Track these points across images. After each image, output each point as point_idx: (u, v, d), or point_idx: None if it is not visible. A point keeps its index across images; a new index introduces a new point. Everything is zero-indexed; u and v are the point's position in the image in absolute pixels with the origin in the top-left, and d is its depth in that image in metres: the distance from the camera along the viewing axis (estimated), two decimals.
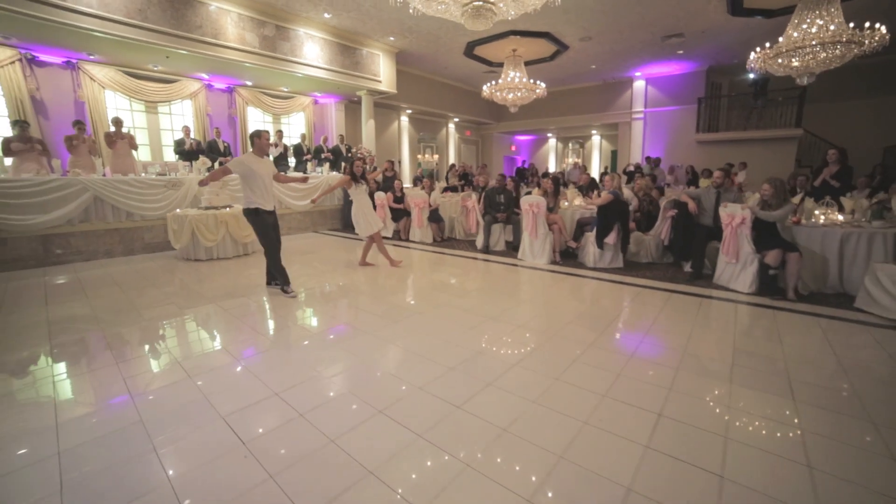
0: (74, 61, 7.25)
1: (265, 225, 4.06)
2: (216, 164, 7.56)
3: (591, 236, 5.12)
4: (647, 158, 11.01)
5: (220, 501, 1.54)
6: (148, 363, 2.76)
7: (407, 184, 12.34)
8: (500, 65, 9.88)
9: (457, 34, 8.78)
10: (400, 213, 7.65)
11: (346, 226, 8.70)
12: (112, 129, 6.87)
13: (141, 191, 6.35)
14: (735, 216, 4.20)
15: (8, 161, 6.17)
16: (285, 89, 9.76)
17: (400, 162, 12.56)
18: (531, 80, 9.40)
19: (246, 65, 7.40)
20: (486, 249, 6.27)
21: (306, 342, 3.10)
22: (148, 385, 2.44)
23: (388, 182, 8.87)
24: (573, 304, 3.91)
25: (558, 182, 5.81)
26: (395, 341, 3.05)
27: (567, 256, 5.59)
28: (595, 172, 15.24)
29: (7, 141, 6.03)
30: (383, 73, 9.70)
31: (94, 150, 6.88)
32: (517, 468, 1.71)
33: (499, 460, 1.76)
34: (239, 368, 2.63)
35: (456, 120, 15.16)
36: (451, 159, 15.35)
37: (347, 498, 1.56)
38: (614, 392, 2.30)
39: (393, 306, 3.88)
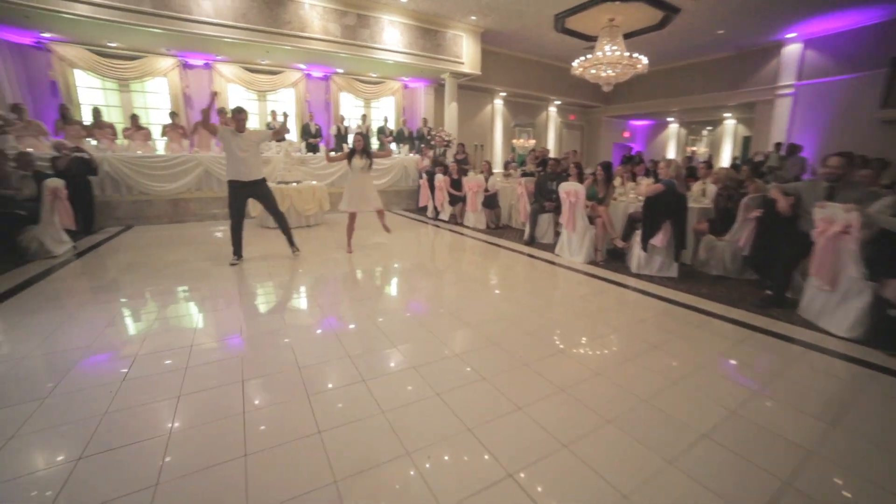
0: (210, 63, 8.82)
1: (233, 195, 4.45)
2: (301, 144, 8.47)
3: (638, 234, 4.24)
4: (777, 145, 8.59)
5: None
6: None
7: (497, 168, 12.04)
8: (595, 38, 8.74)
9: (541, 6, 8.04)
10: (457, 197, 7.50)
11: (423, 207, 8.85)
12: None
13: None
14: (835, 220, 2.98)
15: (162, 142, 8.08)
16: (374, 75, 10.30)
17: (482, 146, 12.21)
18: (629, 55, 8.10)
19: (329, 53, 8.02)
20: (531, 241, 5.73)
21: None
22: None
23: (462, 163, 8.75)
24: (579, 325, 3.08)
25: (609, 168, 4.91)
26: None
27: (615, 256, 4.75)
28: (725, 162, 12.55)
29: (165, 127, 7.97)
30: (466, 54, 9.48)
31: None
32: None
33: None
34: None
35: (557, 103, 14.06)
36: (550, 145, 14.37)
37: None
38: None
39: (335, 300, 3.82)
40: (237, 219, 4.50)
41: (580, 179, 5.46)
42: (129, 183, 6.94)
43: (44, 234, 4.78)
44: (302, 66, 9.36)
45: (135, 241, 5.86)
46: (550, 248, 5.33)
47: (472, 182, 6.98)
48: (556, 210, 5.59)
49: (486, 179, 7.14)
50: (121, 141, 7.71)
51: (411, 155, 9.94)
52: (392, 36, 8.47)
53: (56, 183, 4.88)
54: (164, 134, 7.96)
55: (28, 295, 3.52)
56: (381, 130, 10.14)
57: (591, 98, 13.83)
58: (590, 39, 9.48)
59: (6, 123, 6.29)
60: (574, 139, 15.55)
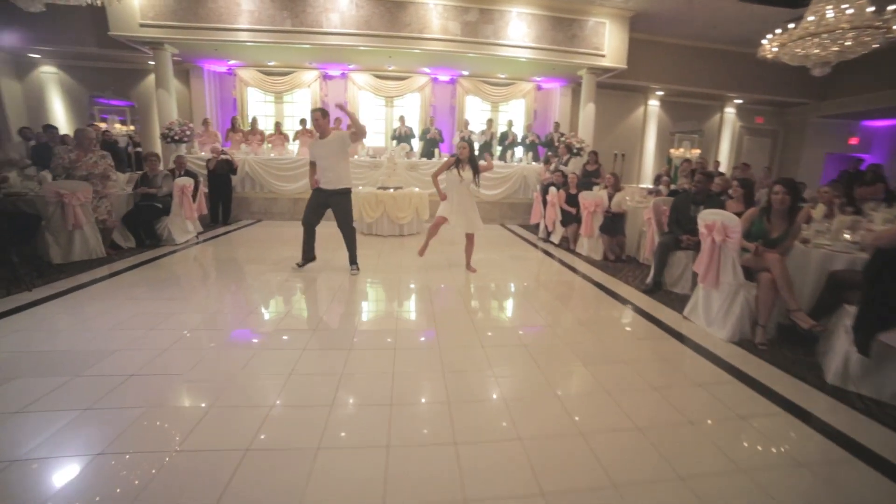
0: (346, 72, 9.42)
1: (310, 199, 4.29)
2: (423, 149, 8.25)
3: (850, 314, 2.39)
4: None
5: None
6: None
7: (646, 184, 9.96)
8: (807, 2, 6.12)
9: None
10: (571, 216, 6.14)
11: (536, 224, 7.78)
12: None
13: (354, 169, 7.65)
14: None
15: (294, 146, 8.96)
16: (502, 76, 9.52)
17: (623, 156, 10.16)
18: (874, 11, 5.33)
19: (449, 53, 7.59)
20: (655, 288, 4.10)
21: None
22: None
23: (588, 177, 7.33)
24: None
25: (794, 190, 3.00)
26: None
27: (791, 340, 2.89)
28: None
29: (297, 132, 8.80)
30: (609, 45, 7.90)
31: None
32: None
33: None
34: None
35: (738, 102, 10.91)
36: (723, 157, 11.28)
37: None
38: None
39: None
40: (306, 224, 4.32)
41: (748, 205, 3.67)
42: (262, 182, 7.77)
43: (172, 224, 5.49)
44: (427, 69, 9.23)
45: (253, 236, 6.45)
46: (682, 302, 3.67)
47: (589, 199, 5.57)
48: (698, 247, 3.86)
49: (611, 197, 5.62)
50: (267, 145, 8.78)
51: (533, 164, 8.84)
52: (518, 30, 7.55)
53: (184, 181, 5.56)
54: (296, 138, 8.78)
55: (129, 274, 4.00)
56: (504, 136, 9.30)
57: (792, 92, 10.24)
58: (794, 5, 6.76)
59: (190, 133, 7.72)
60: (761, 149, 11.89)
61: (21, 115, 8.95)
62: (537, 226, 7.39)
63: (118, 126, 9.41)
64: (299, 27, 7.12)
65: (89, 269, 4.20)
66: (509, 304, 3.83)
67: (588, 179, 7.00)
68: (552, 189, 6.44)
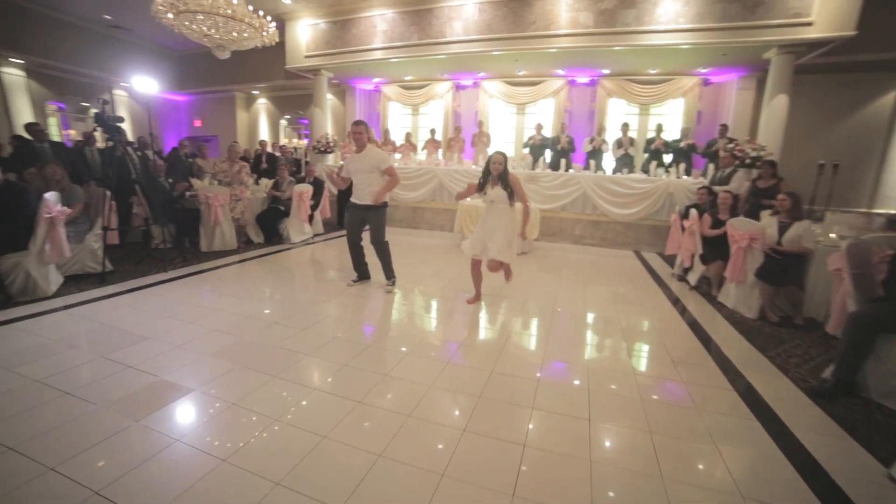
0: (477, 81, 9.25)
1: (348, 219, 4.17)
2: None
3: None
4: None
5: None
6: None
7: (889, 208, 6.88)
8: None
9: None
10: (716, 250, 4.48)
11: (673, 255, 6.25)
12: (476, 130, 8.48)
13: (464, 178, 7.39)
14: None
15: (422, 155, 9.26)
16: (653, 71, 7.83)
17: (836, 167, 7.04)
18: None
19: (581, 50, 6.59)
20: (834, 391, 2.45)
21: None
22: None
23: (758, 197, 5.35)
24: None
25: None
26: None
27: None
28: None
29: (426, 142, 9.07)
30: (819, 6, 5.54)
31: (462, 148, 8.75)
32: None
33: None
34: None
35: None
36: None
37: None
38: None
39: None
40: (350, 242, 4.20)
41: None
42: None
43: (291, 226, 6.21)
44: (561, 71, 8.29)
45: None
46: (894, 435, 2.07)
47: (742, 229, 3.93)
48: None
49: (783, 228, 3.84)
50: (397, 155, 9.29)
51: (685, 178, 6.97)
52: (670, 9, 6.00)
53: (302, 188, 6.21)
54: (423, 147, 9.02)
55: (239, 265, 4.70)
56: (650, 142, 7.63)
57: None
58: None
59: (333, 145, 8.77)
60: None
61: (243, 135, 11.95)
62: (674, 257, 5.73)
63: (296, 140, 11.50)
64: (425, 39, 7.27)
65: (223, 257, 5.17)
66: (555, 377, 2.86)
67: (756, 201, 5.00)
68: (692, 212, 4.84)
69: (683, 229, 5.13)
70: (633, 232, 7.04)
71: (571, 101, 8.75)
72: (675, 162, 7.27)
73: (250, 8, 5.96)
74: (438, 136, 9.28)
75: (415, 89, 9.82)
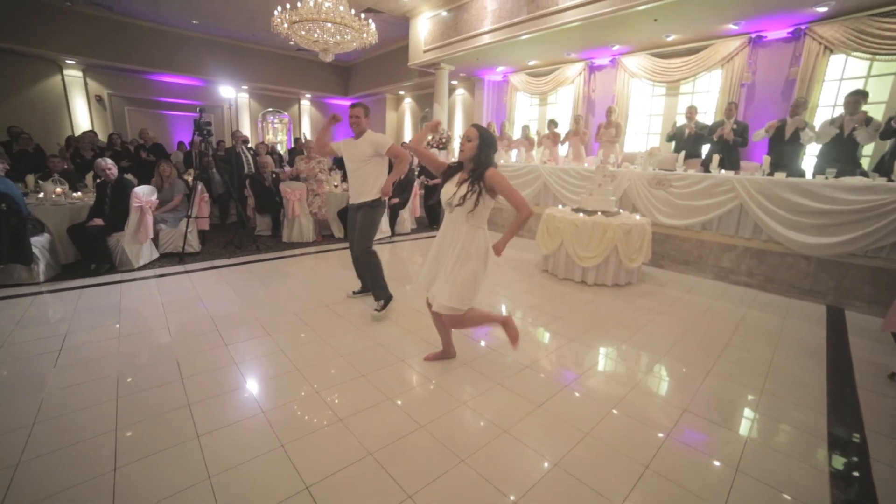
0: (616, 58, 7.46)
1: (347, 223, 3.46)
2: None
3: None
4: None
5: None
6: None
7: None
8: None
9: None
10: None
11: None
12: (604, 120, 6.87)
13: (575, 181, 6.10)
14: None
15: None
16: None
17: None
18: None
19: None
20: None
21: None
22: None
23: None
24: None
25: None
26: None
27: None
28: None
29: (541, 137, 8.00)
30: None
31: (585, 141, 7.23)
32: None
33: None
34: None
35: None
36: None
37: None
38: None
39: None
40: (351, 250, 3.56)
41: None
42: None
43: None
44: (733, 25, 5.82)
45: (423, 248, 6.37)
46: None
47: None
48: None
49: None
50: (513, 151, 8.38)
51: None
52: None
53: None
54: (540, 143, 7.81)
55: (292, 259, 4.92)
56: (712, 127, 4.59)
57: None
58: None
59: (446, 140, 8.56)
60: None
61: (391, 134, 13.04)
62: None
63: (429, 137, 11.82)
64: (535, 12, 6.16)
65: (299, 248, 5.55)
66: None
67: None
68: None
69: None
70: (832, 274, 4.34)
71: (753, 71, 6.10)
72: None
73: (352, 11, 6.14)
74: (563, 128, 7.89)
75: (542, 76, 8.62)
